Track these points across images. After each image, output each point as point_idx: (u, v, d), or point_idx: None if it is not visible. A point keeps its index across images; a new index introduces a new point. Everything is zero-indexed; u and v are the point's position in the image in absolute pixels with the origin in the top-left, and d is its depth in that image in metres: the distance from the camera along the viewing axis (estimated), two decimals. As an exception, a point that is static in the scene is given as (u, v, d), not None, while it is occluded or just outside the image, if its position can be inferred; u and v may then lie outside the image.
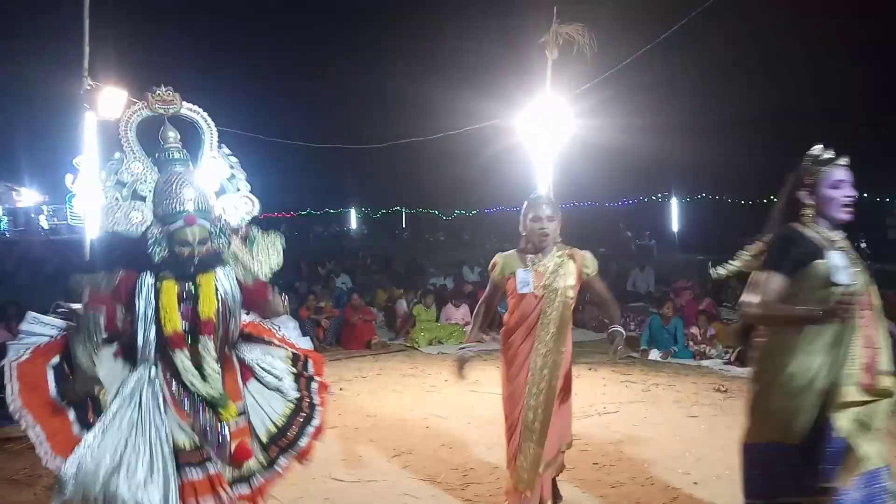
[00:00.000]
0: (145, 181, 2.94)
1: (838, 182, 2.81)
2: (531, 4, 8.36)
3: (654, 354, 8.62)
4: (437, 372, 7.88)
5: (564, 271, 3.61)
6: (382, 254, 20.10)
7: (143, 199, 2.93)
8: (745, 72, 23.46)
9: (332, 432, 5.56)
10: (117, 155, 2.94)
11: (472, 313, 10.39)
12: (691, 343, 8.66)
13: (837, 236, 2.84)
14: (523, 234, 3.66)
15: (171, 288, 2.81)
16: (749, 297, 2.83)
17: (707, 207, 27.65)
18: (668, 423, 5.75)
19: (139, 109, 3.00)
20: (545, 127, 8.06)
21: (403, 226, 30.85)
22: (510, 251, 3.73)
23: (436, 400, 6.62)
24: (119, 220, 2.86)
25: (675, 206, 27.34)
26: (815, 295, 2.70)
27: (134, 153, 2.96)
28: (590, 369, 7.98)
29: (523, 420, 3.53)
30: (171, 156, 2.97)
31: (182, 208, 2.82)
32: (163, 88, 2.99)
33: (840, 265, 2.72)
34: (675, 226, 27.11)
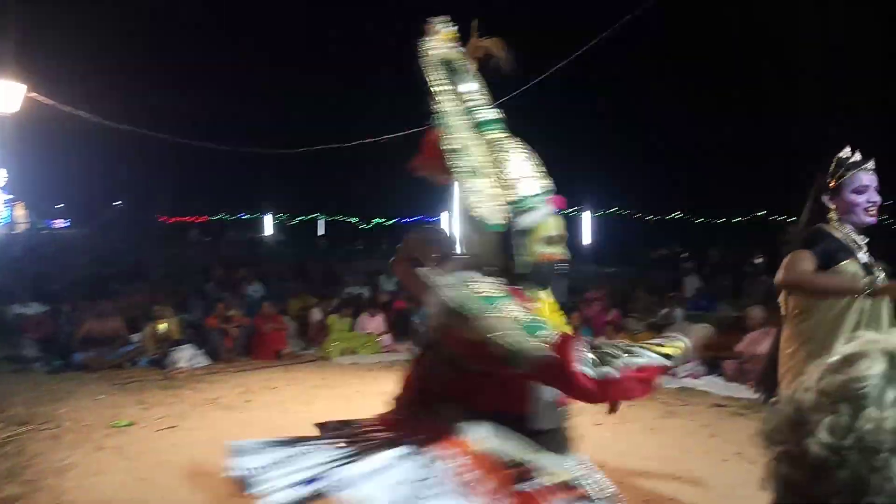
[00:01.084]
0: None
1: (862, 187, 2.81)
2: (454, 17, 8.46)
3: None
4: (350, 383, 7.78)
5: None
6: (298, 261, 19.72)
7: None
8: (656, 93, 24.54)
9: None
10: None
11: (388, 323, 10.45)
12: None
13: (861, 240, 2.87)
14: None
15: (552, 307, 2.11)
16: (782, 274, 2.85)
17: (617, 221, 28.66)
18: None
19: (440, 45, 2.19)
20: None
21: (321, 233, 30.45)
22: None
23: (347, 411, 6.49)
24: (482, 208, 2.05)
25: (587, 219, 28.21)
26: None
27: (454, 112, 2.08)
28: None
29: None
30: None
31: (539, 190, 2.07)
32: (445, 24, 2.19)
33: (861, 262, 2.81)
34: (587, 239, 27.96)
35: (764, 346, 7.70)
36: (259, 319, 9.76)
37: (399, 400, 2.31)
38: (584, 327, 9.21)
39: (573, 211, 29.14)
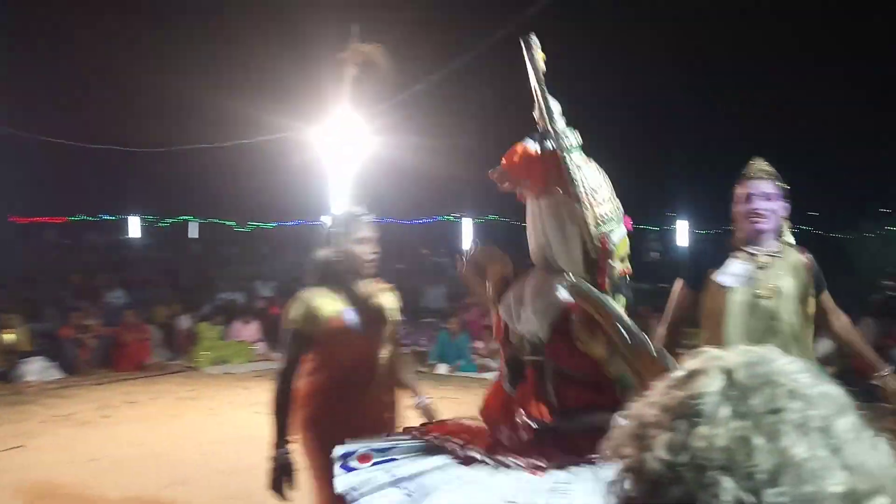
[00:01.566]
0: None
1: (744, 196, 2.84)
2: (333, 21, 8.33)
3: (442, 368, 8.90)
4: (220, 394, 7.45)
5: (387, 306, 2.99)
6: (168, 266, 18.71)
7: None
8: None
9: (91, 465, 5.01)
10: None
11: (262, 330, 10.11)
12: (476, 356, 9.06)
13: (758, 249, 2.84)
14: (333, 258, 2.86)
15: None
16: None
17: (496, 228, 29.41)
18: (451, 436, 5.93)
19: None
20: (343, 142, 8.05)
21: (193, 236, 29.01)
22: (315, 288, 2.84)
23: (216, 424, 6.24)
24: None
25: (468, 225, 28.75)
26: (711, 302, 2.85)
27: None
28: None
29: None
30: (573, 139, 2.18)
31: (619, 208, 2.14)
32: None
33: (735, 272, 2.81)
34: (467, 244, 28.50)
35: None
36: (120, 329, 9.15)
37: (496, 423, 2.22)
38: (462, 332, 9.34)
39: (456, 216, 29.63)
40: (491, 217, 29.32)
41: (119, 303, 11.37)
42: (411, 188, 23.38)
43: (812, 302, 2.88)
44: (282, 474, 2.67)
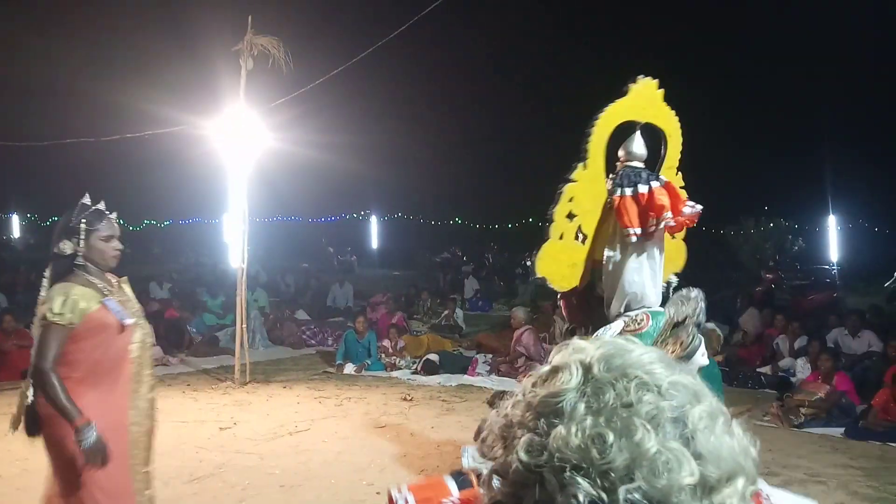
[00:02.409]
0: None
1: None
2: (225, 11, 8.04)
3: (349, 368, 8.80)
4: (111, 401, 7.04)
5: (130, 298, 3.06)
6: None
7: None
8: (441, 98, 25.54)
9: (-38, 486, 4.61)
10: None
11: (156, 334, 9.62)
12: (383, 356, 9.01)
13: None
14: (78, 252, 2.82)
15: None
16: None
17: (402, 226, 29.38)
18: (357, 435, 5.87)
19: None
20: (238, 138, 7.77)
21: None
22: (67, 283, 2.78)
23: (106, 434, 5.88)
24: None
25: (374, 223, 28.57)
26: None
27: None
28: (284, 387, 7.84)
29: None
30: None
31: None
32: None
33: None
34: (374, 243, 28.30)
35: (524, 342, 8.40)
36: (-1, 335, 8.48)
37: None
38: (369, 330, 9.26)
39: (361, 215, 29.37)
40: (397, 215, 29.30)
41: (-4, 308, 10.53)
42: (316, 186, 22.99)
43: None
44: (96, 451, 2.65)
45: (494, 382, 8.08)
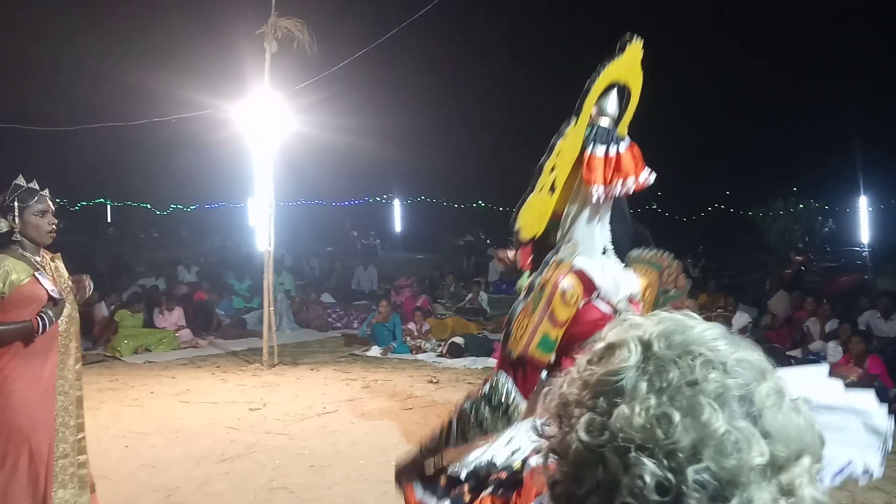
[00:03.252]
0: None
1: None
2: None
3: (375, 351, 8.85)
4: (142, 383, 7.16)
5: (63, 274, 3.23)
6: (82, 251, 17.82)
7: None
8: (466, 79, 25.36)
9: (1, 464, 4.73)
10: None
11: (186, 317, 9.78)
12: (408, 338, 9.04)
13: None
14: (14, 229, 2.99)
15: None
16: None
17: (425, 209, 29.36)
18: (384, 416, 5.91)
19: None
20: (264, 121, 7.79)
21: (108, 220, 27.72)
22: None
23: (138, 415, 5.99)
24: None
25: (397, 206, 28.57)
26: None
27: None
28: (312, 369, 7.91)
29: (58, 467, 3.06)
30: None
31: None
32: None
33: None
34: (398, 226, 28.34)
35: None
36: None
37: None
38: (394, 313, 9.29)
39: (384, 199, 29.39)
40: (420, 198, 29.29)
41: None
42: (339, 169, 23.03)
43: None
44: (57, 311, 3.02)
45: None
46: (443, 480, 1.91)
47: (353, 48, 8.24)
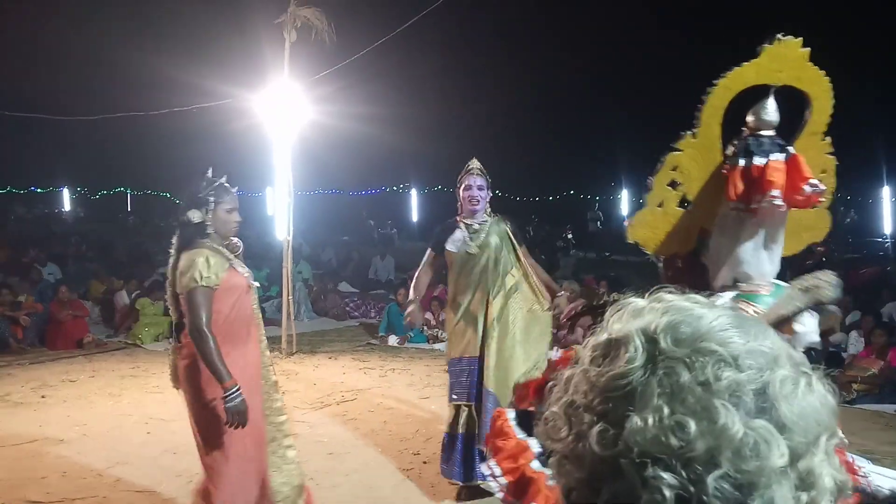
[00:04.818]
0: None
1: (466, 186, 4.06)
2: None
3: (393, 340, 8.89)
4: (163, 371, 7.22)
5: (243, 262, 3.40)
6: (101, 239, 18.01)
7: None
8: (482, 69, 25.24)
9: (28, 447, 4.83)
10: None
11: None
12: (426, 328, 9.07)
13: (473, 221, 4.06)
14: (206, 221, 3.04)
15: None
16: None
17: (443, 199, 29.32)
18: (402, 405, 5.95)
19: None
20: (283, 111, 7.81)
21: (128, 209, 27.99)
22: (200, 249, 3.00)
23: (160, 401, 6.06)
24: None
25: (414, 196, 28.57)
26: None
27: None
28: (330, 358, 7.97)
29: (269, 451, 3.12)
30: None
31: None
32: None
33: (455, 239, 4.04)
34: (415, 216, 28.34)
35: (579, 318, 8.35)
36: (55, 305, 8.79)
37: None
38: (410, 303, 9.32)
39: (401, 188, 29.38)
40: (437, 188, 29.27)
41: (52, 279, 10.92)
42: (357, 159, 23.06)
43: (515, 249, 4.13)
44: (239, 413, 2.84)
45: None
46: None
47: (372, 37, 8.23)
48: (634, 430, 0.57)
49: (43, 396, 6.21)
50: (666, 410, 0.57)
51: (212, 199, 3.03)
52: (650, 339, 0.61)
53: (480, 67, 25.08)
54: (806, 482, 0.58)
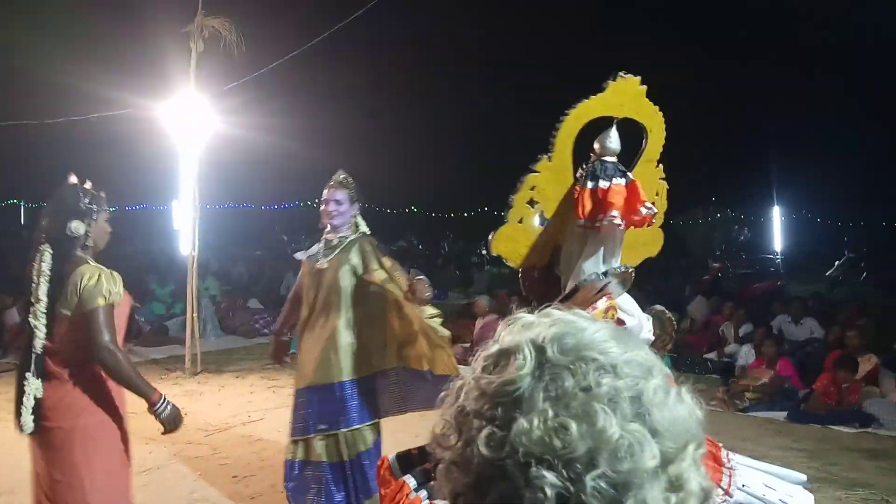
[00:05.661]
0: None
1: (324, 200, 3.85)
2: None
3: (303, 357, 8.71)
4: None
5: None
6: (-7, 255, 16.83)
7: None
8: (397, 84, 25.35)
9: None
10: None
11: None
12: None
13: (332, 235, 3.83)
14: (88, 234, 2.88)
15: None
16: None
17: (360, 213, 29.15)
18: (312, 425, 5.82)
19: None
20: (189, 121, 7.57)
21: (21, 222, 26.34)
22: (91, 265, 2.82)
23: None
24: None
25: (328, 211, 28.26)
26: None
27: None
28: (237, 377, 7.72)
29: None
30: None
31: None
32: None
33: (310, 252, 3.91)
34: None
35: (494, 332, 8.44)
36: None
37: None
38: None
39: (315, 203, 29.01)
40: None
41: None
42: (268, 172, 22.62)
43: (366, 270, 3.74)
44: (174, 419, 2.79)
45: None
46: (418, 459, 2.08)
47: (283, 49, 8.12)
48: (521, 431, 0.59)
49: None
50: (550, 412, 0.60)
51: (94, 208, 2.84)
52: (538, 349, 0.64)
53: (396, 81, 25.19)
54: (675, 485, 0.61)
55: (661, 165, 2.91)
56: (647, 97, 2.80)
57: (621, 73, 2.70)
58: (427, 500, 1.95)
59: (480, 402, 0.64)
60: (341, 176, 3.97)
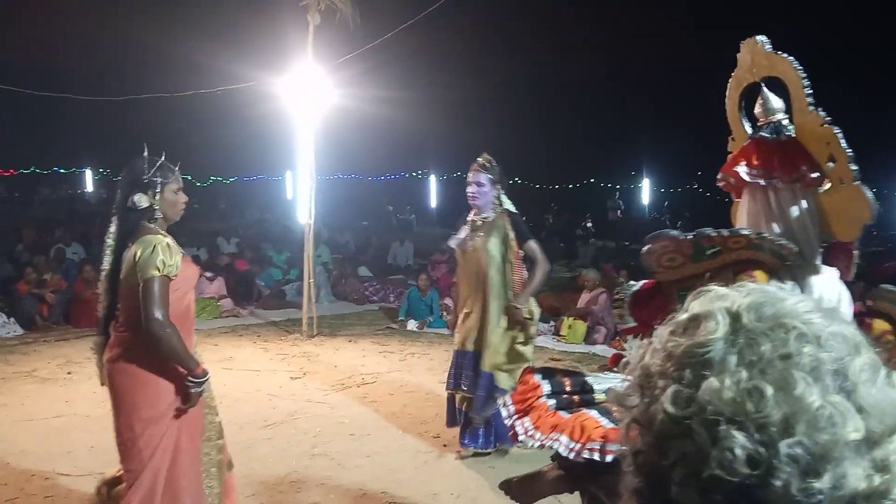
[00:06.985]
0: None
1: (468, 182, 4.21)
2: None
3: (412, 325, 8.92)
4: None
5: None
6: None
7: None
8: (506, 55, 25.07)
9: (56, 422, 4.92)
10: None
11: (227, 286, 9.96)
12: (445, 313, 9.08)
13: (476, 217, 4.18)
14: (154, 206, 2.86)
15: None
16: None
17: (461, 185, 29.24)
18: (421, 389, 5.97)
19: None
20: (306, 94, 7.81)
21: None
22: (153, 235, 2.81)
23: (183, 380, 6.15)
24: None
25: (433, 182, 28.56)
26: None
27: None
28: (350, 341, 8.02)
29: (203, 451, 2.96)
30: None
31: None
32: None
33: (458, 236, 4.24)
34: (433, 201, 28.34)
35: (599, 305, 8.33)
36: (80, 284, 8.91)
37: None
38: (431, 288, 9.34)
39: (420, 174, 29.37)
40: (456, 174, 29.20)
41: (77, 258, 11.06)
42: (377, 144, 23.06)
43: (512, 248, 4.10)
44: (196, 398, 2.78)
45: (553, 343, 8.11)
46: (559, 376, 2.40)
47: (396, 20, 8.20)
48: (710, 389, 0.58)
49: (69, 373, 6.32)
50: (744, 375, 0.58)
51: (158, 180, 2.82)
52: (733, 315, 0.62)
53: (504, 53, 24.90)
54: (880, 467, 0.58)
55: (817, 110, 2.42)
56: (772, 50, 2.62)
57: (742, 42, 2.53)
58: (553, 410, 2.24)
59: (666, 364, 0.62)
60: (483, 159, 4.18)
